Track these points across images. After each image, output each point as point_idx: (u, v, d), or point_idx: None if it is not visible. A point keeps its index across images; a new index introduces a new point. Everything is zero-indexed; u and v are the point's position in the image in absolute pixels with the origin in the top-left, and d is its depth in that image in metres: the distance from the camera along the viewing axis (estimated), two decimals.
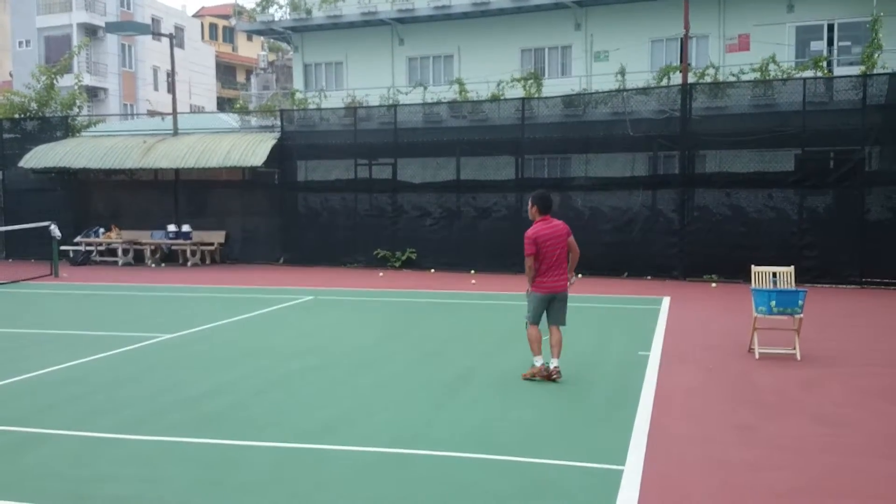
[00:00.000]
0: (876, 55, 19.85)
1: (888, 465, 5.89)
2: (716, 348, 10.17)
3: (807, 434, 6.64)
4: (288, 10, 30.24)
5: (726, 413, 7.27)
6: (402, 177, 21.45)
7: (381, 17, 28.64)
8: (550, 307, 8.53)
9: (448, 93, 24.54)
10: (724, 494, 5.29)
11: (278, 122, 23.37)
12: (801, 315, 9.47)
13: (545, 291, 8.49)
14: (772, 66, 20.61)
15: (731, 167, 18.66)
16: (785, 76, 20.19)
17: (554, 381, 8.26)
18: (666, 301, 14.73)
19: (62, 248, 21.44)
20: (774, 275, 10.15)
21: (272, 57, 47.35)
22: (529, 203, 8.68)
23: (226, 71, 61.16)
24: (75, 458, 6.03)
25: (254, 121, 28.30)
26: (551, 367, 8.33)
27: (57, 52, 39.59)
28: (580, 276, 18.90)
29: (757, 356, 9.63)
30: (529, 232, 8.45)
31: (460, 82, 23.93)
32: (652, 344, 10.41)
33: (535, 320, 8.60)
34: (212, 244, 23.00)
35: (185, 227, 22.87)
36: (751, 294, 9.84)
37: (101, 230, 23.52)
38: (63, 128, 25.04)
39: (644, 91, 19.60)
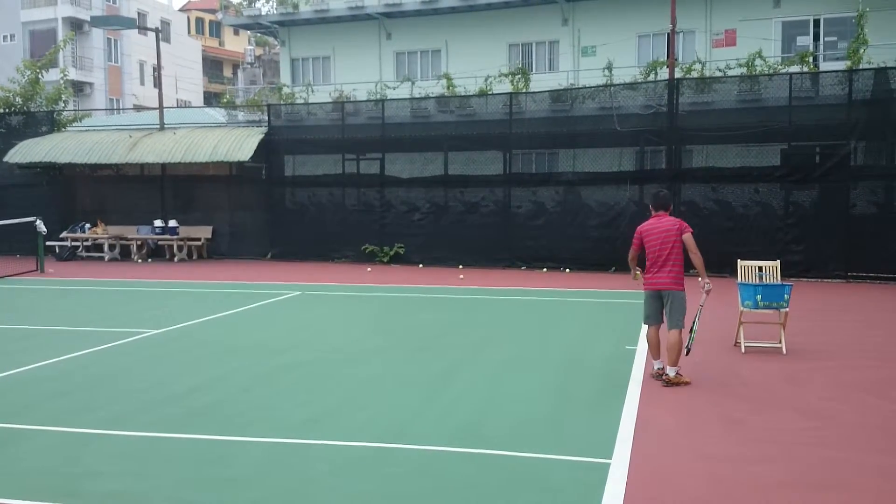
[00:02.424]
0: (861, 50, 19.96)
1: (874, 458, 5.93)
2: (702, 342, 10.20)
3: (793, 427, 6.68)
4: (274, 4, 30.14)
5: (713, 407, 7.30)
6: (389, 171, 21.42)
7: (368, 12, 28.58)
8: (665, 307, 8.25)
9: (436, 88, 24.53)
10: (710, 488, 5.32)
11: (265, 117, 23.29)
12: (787, 309, 9.52)
13: (646, 288, 8.32)
14: (758, 62, 20.69)
15: (717, 162, 18.74)
16: (771, 71, 20.28)
17: (675, 384, 8.01)
18: None
19: (48, 243, 21.30)
20: (760, 269, 10.20)
21: (259, 51, 47.18)
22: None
23: (212, 65, 60.87)
24: (62, 454, 6.00)
25: (241, 115, 28.21)
26: (664, 372, 8.10)
27: (42, 47, 39.34)
28: (568, 270, 19.04)
29: (743, 350, 9.68)
30: (639, 226, 8.42)
31: (448, 77, 23.91)
32: (639, 338, 10.43)
33: (644, 320, 8.45)
34: (199, 239, 22.91)
35: (172, 223, 22.78)
36: (737, 288, 9.88)
37: (87, 225, 23.37)
38: (48, 122, 24.87)
39: (631, 86, 19.64)
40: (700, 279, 8.13)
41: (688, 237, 8.10)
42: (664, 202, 8.40)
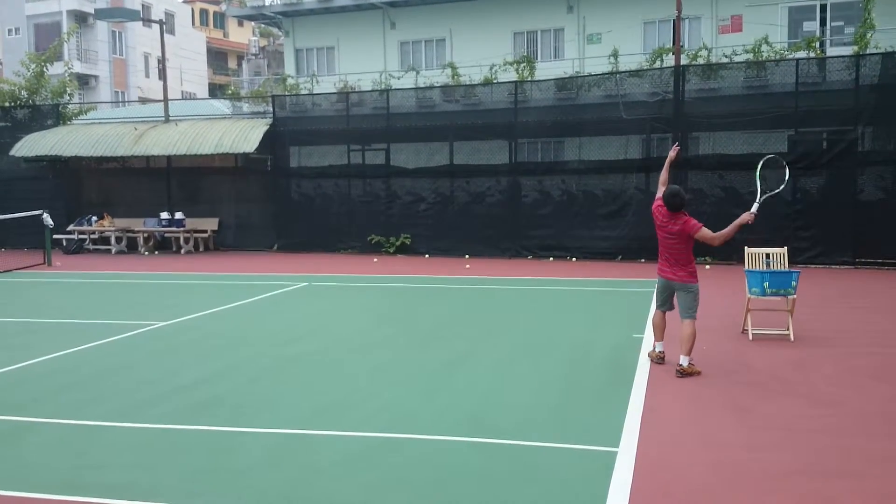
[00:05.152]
0: (868, 35, 19.82)
1: (882, 444, 5.91)
2: (710, 330, 10.18)
3: (801, 414, 6.65)
4: None
5: (720, 394, 7.28)
6: (395, 162, 21.37)
7: (372, 1, 28.52)
8: (676, 296, 8.23)
9: (440, 77, 24.45)
10: (718, 475, 5.30)
11: (270, 108, 23.25)
12: (795, 296, 9.48)
13: (658, 275, 8.35)
14: (764, 47, 20.57)
15: (724, 149, 18.63)
16: (778, 57, 20.16)
17: (688, 374, 7.88)
18: None
19: (55, 236, 21.35)
20: (768, 256, 10.16)
21: (263, 42, 47.19)
22: None
23: (217, 57, 60.83)
24: (69, 446, 6.02)
25: (245, 107, 28.17)
26: (678, 364, 7.95)
27: (46, 40, 39.35)
28: (574, 259, 19.02)
29: (751, 337, 9.65)
30: (655, 205, 8.29)
31: (453, 66, 23.84)
32: (646, 327, 10.40)
33: (656, 304, 8.52)
34: (205, 231, 22.93)
35: (178, 215, 22.80)
36: (744, 275, 9.85)
37: (94, 218, 23.43)
38: (54, 116, 24.89)
39: (637, 73, 19.54)
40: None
41: (701, 235, 7.93)
42: (679, 203, 8.03)
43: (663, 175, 8.71)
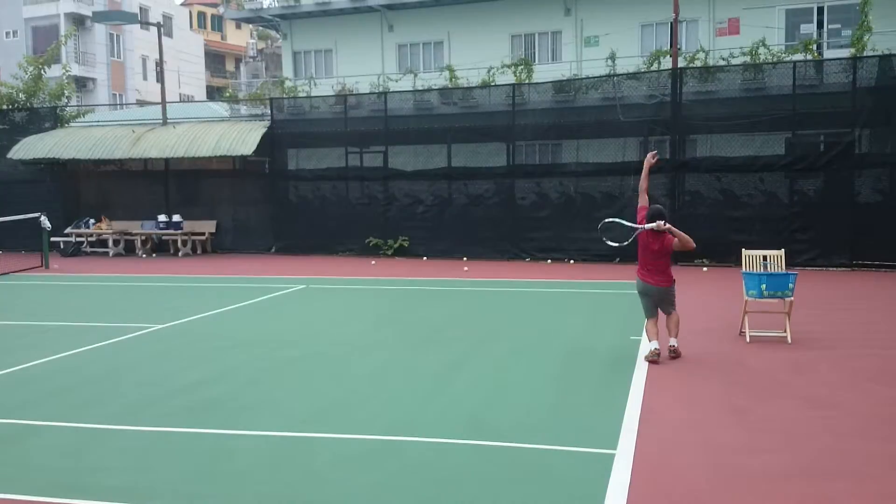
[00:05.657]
0: (866, 37, 19.87)
1: (880, 446, 5.92)
2: (707, 332, 10.20)
3: (798, 416, 6.66)
4: None
5: (718, 396, 7.29)
6: (393, 164, 21.37)
7: (369, 4, 28.54)
8: (657, 299, 8.85)
9: (438, 80, 24.47)
10: (716, 477, 5.31)
11: (268, 111, 23.26)
12: (792, 298, 9.49)
13: (638, 276, 8.91)
14: (762, 50, 20.60)
15: (721, 151, 18.66)
16: (775, 60, 20.20)
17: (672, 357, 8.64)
18: None
19: (52, 239, 21.32)
20: (765, 258, 10.17)
21: (261, 45, 47.24)
22: None
23: (215, 59, 60.82)
24: (67, 449, 6.01)
25: (243, 109, 28.18)
26: (670, 345, 8.72)
27: (44, 43, 39.31)
28: (572, 261, 19.03)
29: (748, 340, 9.66)
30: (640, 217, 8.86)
31: (450, 69, 23.84)
32: (643, 329, 10.41)
33: (644, 313, 9.00)
34: (203, 234, 22.92)
35: (176, 217, 22.79)
36: (741, 278, 9.86)
37: (92, 221, 23.41)
38: (52, 118, 24.87)
39: (634, 76, 19.58)
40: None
41: (675, 246, 8.62)
42: (659, 218, 8.66)
43: (643, 182, 9.08)
